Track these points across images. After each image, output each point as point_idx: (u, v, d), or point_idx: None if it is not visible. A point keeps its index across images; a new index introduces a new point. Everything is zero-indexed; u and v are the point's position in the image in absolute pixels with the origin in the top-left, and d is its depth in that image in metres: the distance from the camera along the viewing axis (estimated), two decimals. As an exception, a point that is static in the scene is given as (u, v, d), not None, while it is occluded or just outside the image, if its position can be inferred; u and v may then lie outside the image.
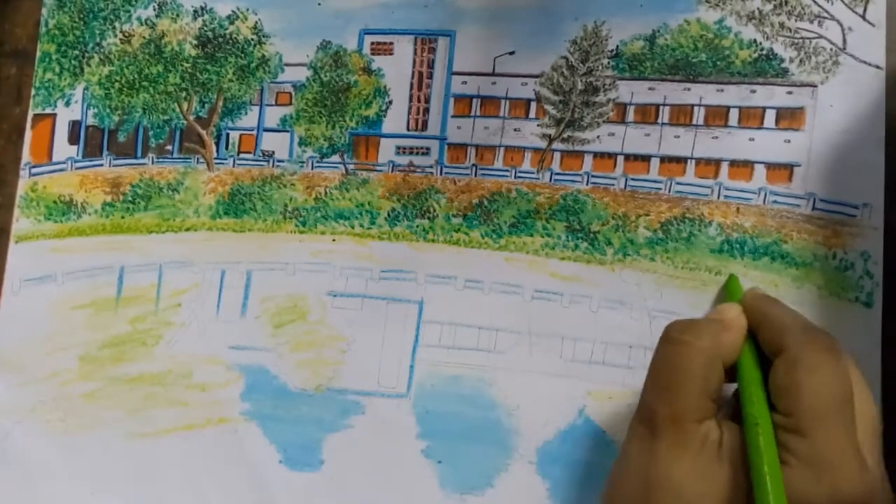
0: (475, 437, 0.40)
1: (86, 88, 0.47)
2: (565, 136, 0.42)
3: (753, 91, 0.40)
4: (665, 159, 0.41)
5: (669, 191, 0.40)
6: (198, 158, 0.46)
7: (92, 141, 0.47)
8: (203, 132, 0.46)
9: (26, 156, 0.47)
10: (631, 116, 0.41)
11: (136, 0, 0.47)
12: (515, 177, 0.42)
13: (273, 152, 0.45)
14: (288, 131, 0.45)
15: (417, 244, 0.43)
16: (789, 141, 0.39)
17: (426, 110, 0.43)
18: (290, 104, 0.45)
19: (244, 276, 0.44)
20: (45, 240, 0.46)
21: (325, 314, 0.43)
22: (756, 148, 0.40)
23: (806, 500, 0.28)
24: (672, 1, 0.41)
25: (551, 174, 0.42)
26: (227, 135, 0.46)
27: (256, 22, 0.46)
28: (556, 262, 0.41)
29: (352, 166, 0.44)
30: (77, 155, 0.47)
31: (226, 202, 0.45)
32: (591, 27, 0.42)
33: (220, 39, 0.46)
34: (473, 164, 0.43)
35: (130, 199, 0.46)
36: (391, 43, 0.44)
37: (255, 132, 0.45)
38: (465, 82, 0.43)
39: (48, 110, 0.47)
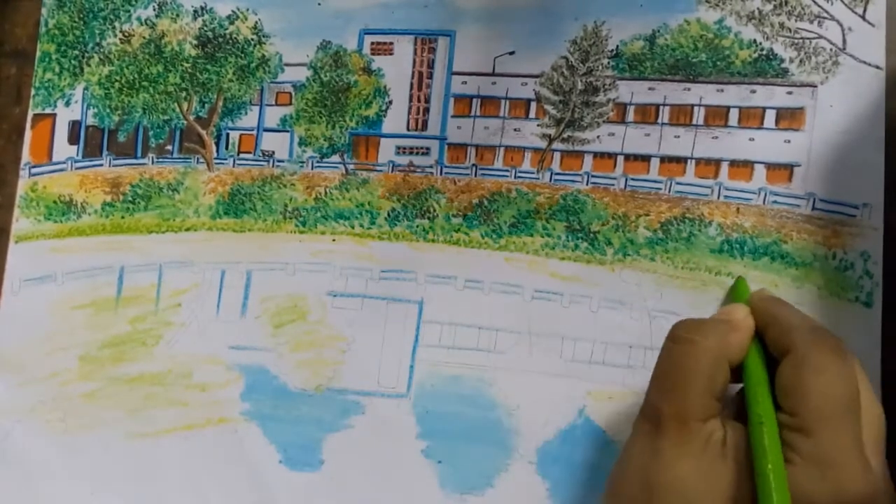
0: (475, 437, 0.40)
1: (86, 88, 0.47)
2: (565, 136, 0.42)
3: (753, 91, 0.40)
4: (665, 159, 0.41)
5: (669, 191, 0.40)
6: (198, 158, 0.46)
7: (92, 141, 0.47)
8: (203, 132, 0.46)
9: (26, 156, 0.47)
10: (631, 116, 0.41)
11: (136, 0, 0.47)
12: (515, 177, 0.42)
13: (273, 152, 0.45)
14: (288, 131, 0.45)
15: (417, 244, 0.43)
16: (789, 141, 0.39)
17: (426, 110, 0.43)
18: (290, 104, 0.45)
19: (244, 276, 0.44)
20: (44, 240, 0.46)
21: (325, 314, 0.43)
22: (756, 148, 0.40)
23: (810, 499, 0.28)
24: (672, 1, 0.41)
25: (551, 174, 0.42)
26: (227, 135, 0.46)
27: (256, 22, 0.46)
28: (556, 262, 0.41)
29: (352, 166, 0.44)
30: (77, 155, 0.47)
31: (226, 202, 0.45)
32: (591, 27, 0.42)
33: (220, 39, 0.46)
34: (473, 164, 0.43)
35: (130, 199, 0.46)
36: (391, 43, 0.44)
37: (255, 132, 0.45)
38: (465, 82, 0.43)
39: (48, 110, 0.47)
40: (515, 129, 0.42)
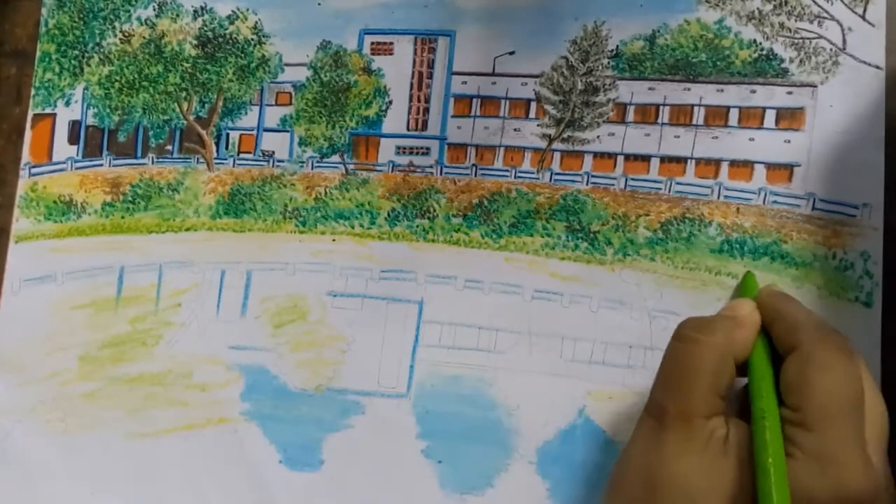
0: (475, 437, 0.40)
1: (86, 88, 0.47)
2: (565, 136, 0.42)
3: (753, 91, 0.40)
4: (665, 159, 0.41)
5: (669, 191, 0.40)
6: (198, 158, 0.46)
7: (92, 141, 0.47)
8: (203, 132, 0.46)
9: (26, 156, 0.47)
10: (631, 116, 0.41)
11: (135, 0, 0.47)
12: (515, 177, 0.42)
13: (273, 152, 0.45)
14: (288, 131, 0.45)
15: (417, 244, 0.43)
16: (789, 141, 0.39)
17: (426, 110, 0.43)
18: (290, 104, 0.45)
19: (244, 276, 0.44)
20: (44, 240, 0.46)
21: (325, 314, 0.43)
22: (756, 148, 0.40)
23: (809, 494, 0.28)
24: (672, 1, 0.41)
25: (551, 174, 0.42)
26: (227, 135, 0.46)
27: (256, 22, 0.46)
28: (556, 262, 0.41)
29: (352, 166, 0.44)
30: (77, 155, 0.47)
31: (226, 202, 0.45)
32: (591, 27, 0.42)
33: (220, 39, 0.46)
34: (473, 164, 0.43)
35: (130, 199, 0.46)
36: (391, 43, 0.44)
37: (255, 132, 0.45)
38: (465, 82, 0.43)
39: (48, 110, 0.47)
40: (515, 129, 0.42)
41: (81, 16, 0.47)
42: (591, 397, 0.40)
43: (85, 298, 0.45)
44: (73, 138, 0.47)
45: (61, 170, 0.47)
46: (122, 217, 0.46)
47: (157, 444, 0.43)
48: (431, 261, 0.42)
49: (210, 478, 0.43)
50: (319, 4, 0.45)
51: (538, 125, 0.42)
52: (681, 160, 0.40)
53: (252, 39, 0.46)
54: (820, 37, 0.39)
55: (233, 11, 0.46)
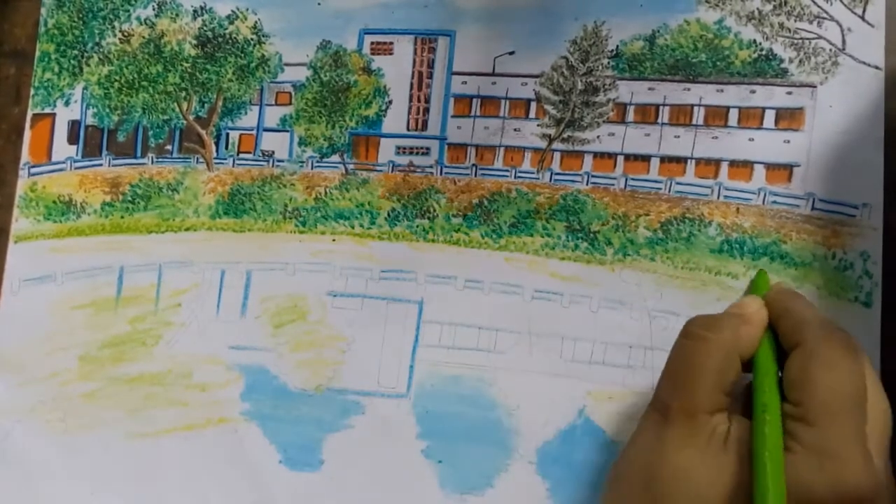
0: (475, 437, 0.41)
1: (85, 88, 0.47)
2: (565, 136, 0.42)
3: (753, 91, 0.40)
4: (665, 159, 0.41)
5: (669, 191, 0.40)
6: (197, 158, 0.46)
7: (91, 141, 0.47)
8: (203, 132, 0.46)
9: (25, 156, 0.47)
10: (631, 116, 0.41)
11: (135, 0, 0.47)
12: (515, 177, 0.42)
13: (273, 152, 0.45)
14: (288, 131, 0.45)
15: (417, 244, 0.43)
16: (789, 141, 0.39)
17: (426, 110, 0.43)
18: (290, 104, 0.45)
19: (244, 276, 0.44)
20: (44, 240, 0.46)
21: (325, 314, 0.43)
22: (756, 148, 0.40)
23: (807, 488, 0.28)
24: (672, 1, 0.41)
25: (551, 174, 0.42)
26: (227, 135, 0.46)
27: (256, 22, 0.46)
28: (556, 262, 0.41)
29: (352, 166, 0.44)
30: (76, 155, 0.47)
31: (225, 202, 0.45)
32: (591, 27, 0.42)
33: (220, 39, 0.46)
34: (473, 164, 0.43)
35: (130, 199, 0.46)
36: (391, 43, 0.44)
37: (254, 132, 0.45)
38: (465, 82, 0.43)
39: (47, 110, 0.47)
40: (515, 129, 0.42)
41: (81, 15, 0.47)
42: (591, 397, 0.40)
43: (85, 298, 0.45)
44: (72, 138, 0.47)
45: (61, 170, 0.47)
46: (122, 217, 0.46)
47: (157, 444, 0.43)
48: (431, 261, 0.42)
49: (210, 478, 0.43)
50: (319, 4, 0.45)
51: (538, 125, 0.42)
52: (681, 160, 0.40)
53: (252, 39, 0.46)
54: (819, 37, 0.39)
55: (232, 11, 0.46)
